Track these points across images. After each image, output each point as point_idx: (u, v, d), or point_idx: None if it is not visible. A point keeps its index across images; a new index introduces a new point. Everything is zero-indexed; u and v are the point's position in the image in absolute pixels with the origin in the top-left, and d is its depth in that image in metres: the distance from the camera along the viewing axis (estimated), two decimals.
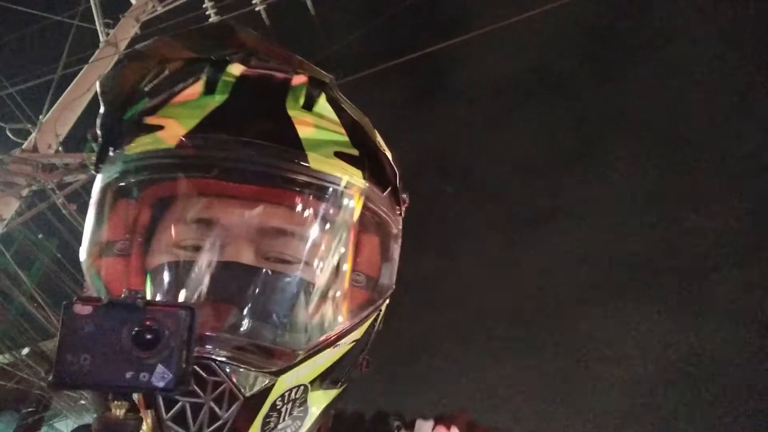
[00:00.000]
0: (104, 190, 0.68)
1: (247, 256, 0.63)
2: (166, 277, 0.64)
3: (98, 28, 6.58)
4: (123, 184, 0.67)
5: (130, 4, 6.93)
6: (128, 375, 0.47)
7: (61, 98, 5.84)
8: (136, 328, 0.48)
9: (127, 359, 0.47)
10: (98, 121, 0.67)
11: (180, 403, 0.55)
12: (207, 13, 7.03)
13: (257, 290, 0.62)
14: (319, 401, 0.64)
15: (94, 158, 0.70)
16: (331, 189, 0.65)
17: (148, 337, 0.48)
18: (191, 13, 7.00)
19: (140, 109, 0.70)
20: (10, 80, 5.95)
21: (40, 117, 5.62)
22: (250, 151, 0.62)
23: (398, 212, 0.74)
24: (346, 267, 0.67)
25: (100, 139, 0.68)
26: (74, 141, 5.93)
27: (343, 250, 0.67)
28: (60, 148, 5.65)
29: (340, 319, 0.65)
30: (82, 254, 0.68)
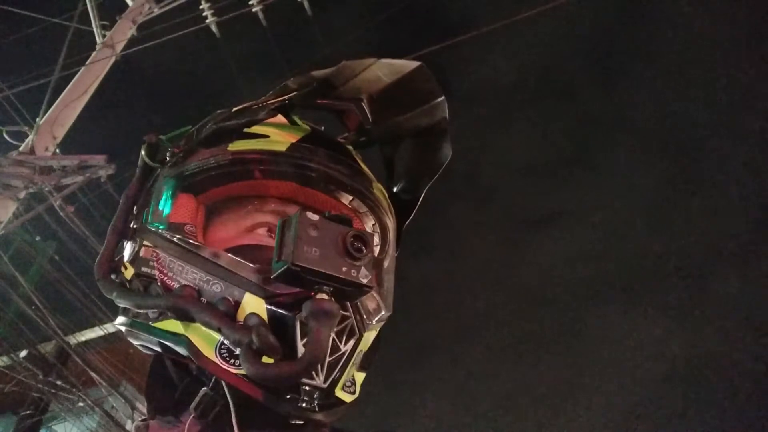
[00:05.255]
0: (197, 174, 0.77)
1: None
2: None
3: (95, 30, 6.57)
4: (231, 170, 0.77)
5: (127, 6, 6.92)
6: (344, 269, 0.60)
7: (58, 100, 5.83)
8: (354, 233, 0.61)
9: (344, 258, 0.60)
10: (206, 127, 0.81)
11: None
12: (204, 14, 7.02)
13: None
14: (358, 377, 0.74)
15: (170, 152, 0.80)
16: (387, 205, 0.87)
17: (358, 245, 0.61)
18: (188, 14, 6.99)
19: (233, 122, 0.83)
20: (7, 82, 5.94)
21: (37, 119, 5.61)
22: (343, 167, 0.80)
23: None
24: (388, 264, 0.85)
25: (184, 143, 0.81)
26: (71, 143, 5.93)
27: (393, 249, 0.87)
28: (57, 151, 5.64)
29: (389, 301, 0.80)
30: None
